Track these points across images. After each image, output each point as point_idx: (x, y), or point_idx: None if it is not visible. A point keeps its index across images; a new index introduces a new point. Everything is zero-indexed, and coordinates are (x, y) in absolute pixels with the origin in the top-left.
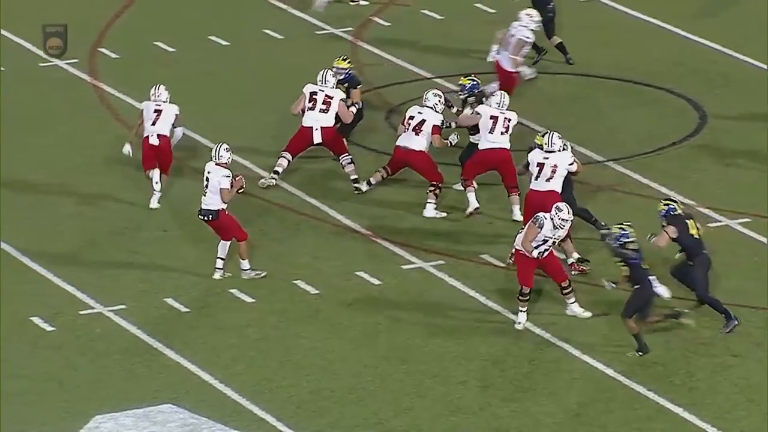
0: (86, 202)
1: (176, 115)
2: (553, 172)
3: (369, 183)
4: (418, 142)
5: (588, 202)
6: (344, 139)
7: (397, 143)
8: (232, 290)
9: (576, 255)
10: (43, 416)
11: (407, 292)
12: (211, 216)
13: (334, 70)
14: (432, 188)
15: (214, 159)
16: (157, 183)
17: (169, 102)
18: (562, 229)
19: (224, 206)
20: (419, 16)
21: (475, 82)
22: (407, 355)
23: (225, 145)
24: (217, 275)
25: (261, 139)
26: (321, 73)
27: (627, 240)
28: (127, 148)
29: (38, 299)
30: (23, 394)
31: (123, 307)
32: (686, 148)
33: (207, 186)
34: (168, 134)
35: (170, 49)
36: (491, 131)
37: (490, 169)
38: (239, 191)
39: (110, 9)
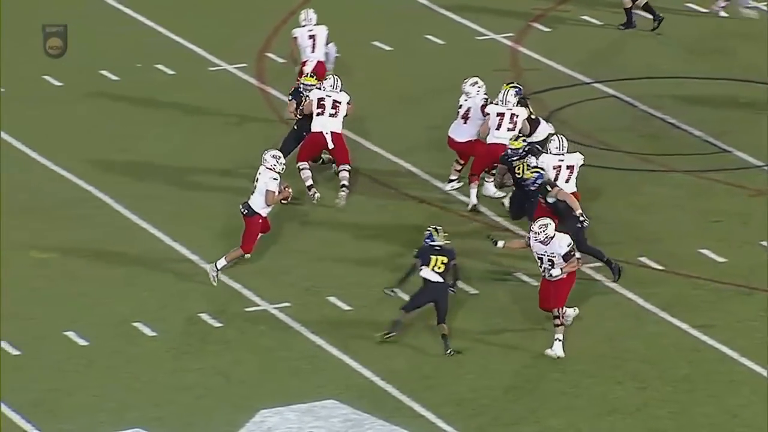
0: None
1: (327, 35)
2: (570, 172)
3: (450, 180)
4: (468, 132)
5: (750, 205)
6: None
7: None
8: (393, 289)
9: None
10: (210, 410)
11: None
12: (247, 212)
13: (302, 85)
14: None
15: (263, 163)
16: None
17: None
18: (544, 244)
19: (264, 211)
20: (579, 21)
21: (517, 89)
22: (565, 356)
23: (273, 151)
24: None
25: (423, 143)
26: (331, 78)
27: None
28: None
29: (206, 297)
30: (192, 388)
31: (287, 304)
32: None
33: (255, 187)
34: (324, 60)
35: (335, 55)
36: (498, 128)
37: (496, 163)
38: (283, 201)
39: (278, 14)
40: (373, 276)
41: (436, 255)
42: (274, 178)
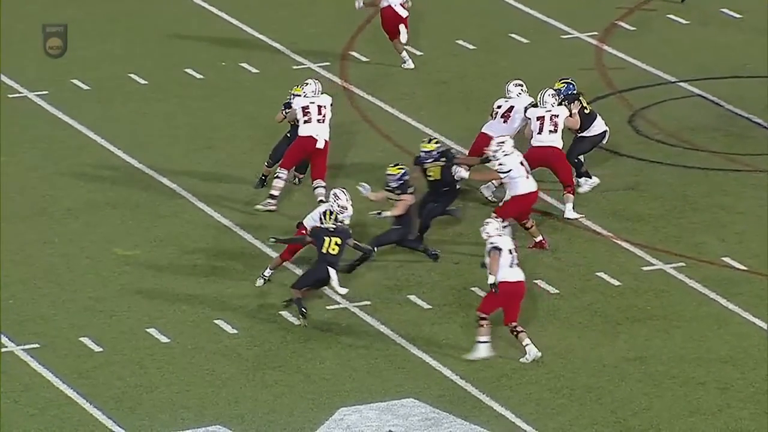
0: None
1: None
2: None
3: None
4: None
5: None
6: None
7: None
8: (473, 288)
9: None
10: (290, 407)
11: (647, 293)
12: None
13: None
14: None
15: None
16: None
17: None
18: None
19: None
20: (664, 20)
21: (567, 84)
22: (646, 356)
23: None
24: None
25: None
26: (311, 84)
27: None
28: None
29: (288, 295)
30: (272, 385)
31: (368, 303)
32: None
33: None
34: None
35: (418, 53)
36: (540, 131)
37: (541, 166)
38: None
39: (362, 13)
40: (451, 276)
41: (329, 236)
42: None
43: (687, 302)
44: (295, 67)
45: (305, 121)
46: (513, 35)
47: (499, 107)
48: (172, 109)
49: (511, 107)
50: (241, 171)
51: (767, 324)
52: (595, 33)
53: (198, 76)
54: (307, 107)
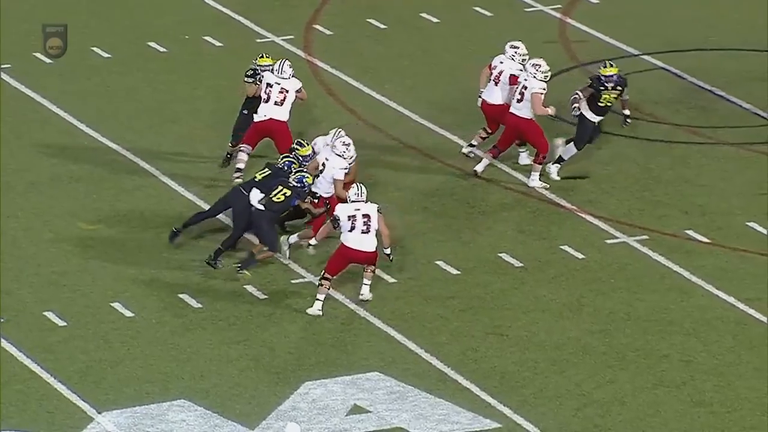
0: None
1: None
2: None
3: (470, 144)
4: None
5: None
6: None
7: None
8: (437, 262)
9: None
10: (256, 381)
11: (610, 267)
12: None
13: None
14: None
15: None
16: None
17: None
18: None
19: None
20: None
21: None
22: (610, 329)
23: (343, 138)
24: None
25: (472, 115)
26: (278, 63)
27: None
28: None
29: (252, 269)
30: (237, 360)
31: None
32: None
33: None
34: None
35: (382, 26)
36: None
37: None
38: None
39: None
40: (417, 247)
41: (284, 186)
42: (343, 168)
43: (650, 275)
44: (258, 40)
45: (264, 100)
46: (477, 8)
47: (494, 67)
48: (136, 83)
49: (501, 72)
50: (205, 145)
51: (731, 296)
52: (559, 6)
53: (161, 49)
54: (270, 85)
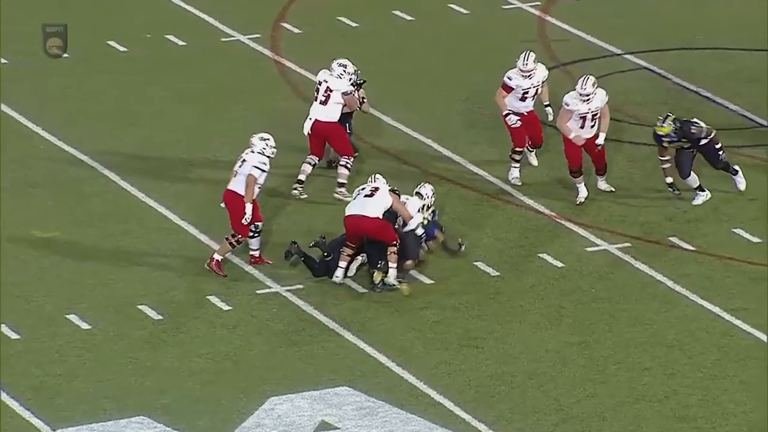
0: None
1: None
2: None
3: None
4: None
5: None
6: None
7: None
8: (411, 272)
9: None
10: (218, 396)
11: (591, 275)
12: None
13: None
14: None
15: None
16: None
17: None
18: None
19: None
20: None
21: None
22: (590, 340)
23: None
24: None
25: (448, 114)
26: (346, 66)
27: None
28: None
29: (215, 278)
30: (199, 373)
31: (300, 286)
32: None
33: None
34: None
35: (353, 24)
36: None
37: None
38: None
39: None
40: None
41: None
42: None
43: (633, 284)
44: (223, 39)
45: (314, 99)
46: (452, 5)
47: (320, 84)
48: (96, 83)
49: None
50: (168, 149)
51: (716, 306)
52: (538, 3)
53: (121, 48)
54: (319, 83)
